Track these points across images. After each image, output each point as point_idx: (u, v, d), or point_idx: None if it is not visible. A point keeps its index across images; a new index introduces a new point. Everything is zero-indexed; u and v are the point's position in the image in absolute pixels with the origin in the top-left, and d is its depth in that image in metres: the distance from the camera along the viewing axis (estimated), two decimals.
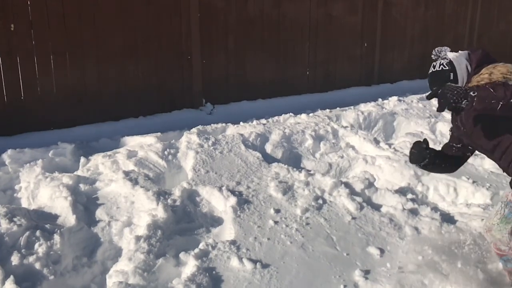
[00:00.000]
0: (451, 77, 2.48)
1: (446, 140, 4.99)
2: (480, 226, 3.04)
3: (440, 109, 2.15)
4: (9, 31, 4.34)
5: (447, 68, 2.53)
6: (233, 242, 2.77)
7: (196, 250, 2.67)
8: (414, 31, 7.56)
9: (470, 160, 4.20)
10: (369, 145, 4.53)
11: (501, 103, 2.04)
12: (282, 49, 6.17)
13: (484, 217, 3.17)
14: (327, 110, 5.51)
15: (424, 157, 2.45)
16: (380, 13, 7.03)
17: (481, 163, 4.19)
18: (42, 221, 2.96)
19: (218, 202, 3.26)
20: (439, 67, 2.56)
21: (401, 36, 7.44)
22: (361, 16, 6.84)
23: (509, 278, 2.47)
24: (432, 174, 3.91)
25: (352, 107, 5.71)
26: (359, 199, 3.33)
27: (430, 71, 2.60)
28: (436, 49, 2.64)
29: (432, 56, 2.64)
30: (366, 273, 2.54)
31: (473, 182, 3.73)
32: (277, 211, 3.14)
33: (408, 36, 7.52)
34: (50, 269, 2.55)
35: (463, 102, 2.06)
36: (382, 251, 2.75)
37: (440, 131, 5.26)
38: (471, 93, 2.05)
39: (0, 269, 2.42)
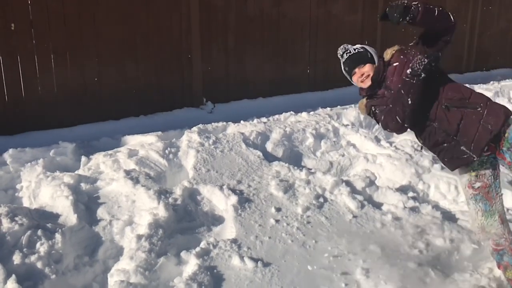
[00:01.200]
0: (369, 56, 2.60)
1: None
2: None
3: (394, 19, 2.28)
4: (9, 31, 4.34)
5: (362, 50, 2.66)
6: (234, 241, 2.78)
7: (197, 249, 2.68)
8: (415, 29, 7.54)
9: None
10: (370, 143, 4.52)
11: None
12: (282, 47, 6.17)
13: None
14: (328, 109, 5.51)
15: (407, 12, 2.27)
16: (380, 10, 7.02)
17: None
18: (43, 220, 2.96)
19: (219, 201, 3.26)
20: (354, 51, 2.66)
21: (402, 35, 7.42)
22: (361, 15, 6.83)
23: (505, 275, 2.45)
24: (433, 172, 3.91)
25: (353, 105, 5.69)
26: (360, 197, 3.33)
27: (347, 56, 2.65)
28: (340, 49, 2.75)
29: (340, 51, 2.73)
30: (367, 271, 2.54)
31: None
32: (278, 209, 3.14)
33: (409, 35, 7.51)
34: (51, 268, 2.56)
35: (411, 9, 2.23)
36: (383, 249, 2.75)
37: None
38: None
39: (2, 268, 2.42)
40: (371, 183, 3.63)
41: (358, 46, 2.72)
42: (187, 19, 5.30)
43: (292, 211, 3.12)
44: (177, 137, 4.36)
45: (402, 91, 2.36)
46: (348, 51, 2.67)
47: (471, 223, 2.52)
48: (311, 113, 5.29)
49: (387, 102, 2.44)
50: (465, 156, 2.32)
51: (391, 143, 4.58)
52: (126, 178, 3.46)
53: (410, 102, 2.35)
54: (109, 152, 4.00)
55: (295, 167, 3.76)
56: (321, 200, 3.26)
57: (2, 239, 2.70)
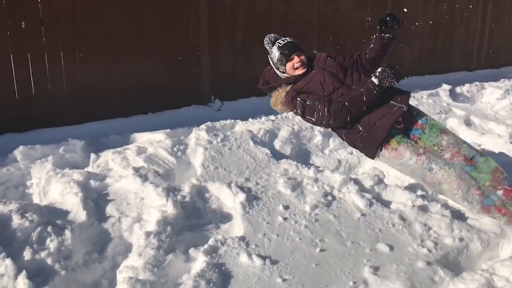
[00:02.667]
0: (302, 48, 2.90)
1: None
2: (492, 224, 3.02)
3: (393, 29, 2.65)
4: (20, 29, 4.38)
5: (296, 41, 2.92)
6: (242, 238, 2.78)
7: (206, 246, 2.68)
8: (424, 25, 7.48)
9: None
10: None
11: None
12: None
13: (495, 216, 3.14)
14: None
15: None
16: (389, 7, 6.96)
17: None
18: (53, 217, 2.99)
19: (227, 199, 3.27)
20: (288, 40, 2.91)
21: (411, 31, 7.37)
22: (370, 11, 6.79)
23: (502, 213, 2.54)
24: None
25: None
26: (368, 195, 3.31)
27: (285, 41, 2.89)
28: (268, 37, 2.98)
29: (271, 37, 2.98)
30: (376, 269, 2.53)
31: None
32: (286, 207, 3.14)
33: (418, 31, 7.45)
34: (61, 264, 2.58)
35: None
36: (391, 248, 2.74)
37: (450, 126, 5.22)
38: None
39: (13, 264, 2.45)
40: (380, 181, 3.61)
41: (287, 38, 2.94)
42: (196, 16, 5.30)
43: (300, 209, 3.12)
44: (186, 135, 4.38)
45: (364, 98, 2.56)
46: (283, 39, 2.90)
47: (449, 188, 2.65)
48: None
49: (343, 99, 2.62)
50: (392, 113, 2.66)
51: None
52: (134, 175, 3.48)
53: (365, 108, 2.61)
54: (118, 149, 4.03)
55: (303, 165, 3.75)
56: (329, 198, 3.25)
57: (13, 235, 2.73)
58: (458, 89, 6.60)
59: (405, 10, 6.66)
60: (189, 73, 5.43)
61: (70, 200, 3.18)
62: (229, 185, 3.34)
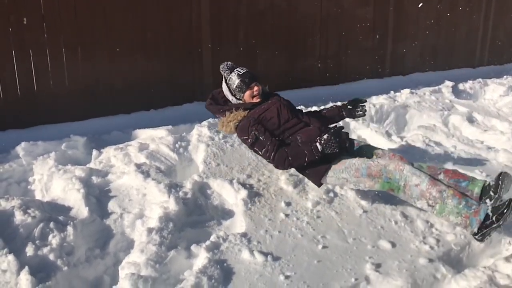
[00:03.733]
0: None
1: (459, 133, 4.95)
2: None
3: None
4: (22, 25, 4.37)
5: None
6: (244, 235, 2.78)
7: (208, 243, 2.69)
8: (427, 22, 7.45)
9: (483, 153, 4.18)
10: (381, 138, 4.49)
11: None
12: (293, 41, 6.13)
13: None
14: (339, 103, 5.47)
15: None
16: (392, 4, 6.94)
17: (495, 156, 4.14)
18: (55, 213, 2.99)
19: (229, 195, 3.27)
20: (246, 69, 3.18)
21: (414, 28, 7.34)
22: (372, 7, 6.77)
23: (425, 198, 2.60)
24: (445, 167, 3.87)
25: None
26: (370, 192, 3.30)
27: (244, 70, 3.17)
28: (225, 64, 3.24)
29: (228, 64, 3.24)
30: (378, 266, 2.53)
31: (487, 175, 3.69)
32: (288, 204, 3.14)
33: (420, 27, 7.42)
34: (63, 260, 2.59)
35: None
36: (393, 244, 2.73)
37: (453, 123, 5.21)
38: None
39: (15, 260, 2.46)
40: None
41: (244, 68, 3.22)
42: (198, 12, 5.29)
43: (302, 206, 3.12)
44: (187, 131, 4.38)
45: (306, 159, 2.80)
46: (241, 68, 3.14)
47: (395, 167, 2.71)
48: (322, 107, 5.27)
49: (289, 152, 2.85)
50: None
51: (402, 138, 4.54)
52: (136, 172, 3.48)
53: (305, 164, 2.85)
54: (120, 145, 4.03)
55: None
56: (331, 194, 3.24)
57: (15, 231, 2.74)
58: (460, 86, 6.58)
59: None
60: (191, 69, 5.42)
61: (72, 196, 3.18)
62: (231, 182, 3.34)
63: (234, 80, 3.06)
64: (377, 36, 6.92)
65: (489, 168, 3.85)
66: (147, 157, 3.77)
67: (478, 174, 3.71)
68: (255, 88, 2.97)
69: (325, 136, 2.75)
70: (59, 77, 4.65)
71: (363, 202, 3.17)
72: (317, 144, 2.77)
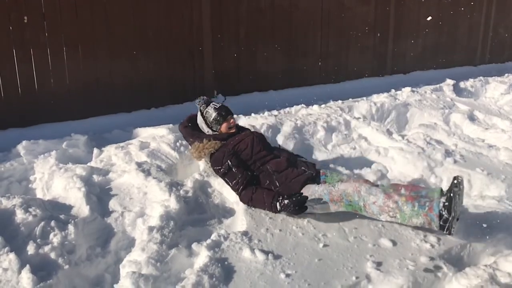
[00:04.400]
0: None
1: (460, 131, 4.95)
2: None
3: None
4: (22, 23, 4.37)
5: None
6: (245, 233, 2.78)
7: (208, 241, 2.69)
8: (428, 20, 7.44)
9: (484, 152, 4.18)
10: (382, 136, 4.49)
11: None
12: (293, 39, 6.13)
13: (499, 209, 3.14)
14: (339, 101, 5.48)
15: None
16: (393, 1, 6.92)
17: (496, 154, 4.14)
18: (56, 212, 3.00)
19: (230, 194, 3.27)
20: (222, 103, 3.42)
21: (415, 26, 7.33)
22: (374, 5, 6.75)
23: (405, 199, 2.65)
24: (446, 166, 3.88)
25: (364, 98, 5.66)
26: None
27: (219, 105, 3.41)
28: (201, 98, 3.51)
29: (203, 99, 3.49)
30: (379, 265, 2.53)
31: (488, 173, 3.69)
32: None
33: (421, 25, 7.41)
34: (65, 258, 2.59)
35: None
36: (394, 243, 2.73)
37: (454, 122, 5.20)
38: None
39: (17, 258, 2.46)
40: (383, 176, 3.61)
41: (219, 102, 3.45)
42: (198, 11, 5.28)
43: None
44: None
45: (265, 209, 2.96)
46: (217, 102, 3.39)
47: (353, 190, 2.81)
48: (322, 106, 5.27)
49: (255, 196, 2.99)
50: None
51: (403, 136, 4.54)
52: (137, 170, 3.48)
53: (265, 209, 2.98)
54: (121, 144, 4.03)
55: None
56: None
57: (16, 229, 2.74)
58: (462, 84, 6.57)
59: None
60: (192, 67, 5.41)
61: (73, 194, 3.19)
62: None
63: (211, 113, 3.33)
64: (378, 34, 6.91)
65: (490, 166, 3.85)
66: (148, 155, 3.77)
67: (479, 172, 3.71)
68: (231, 120, 3.24)
69: (285, 201, 2.86)
70: (60, 76, 4.65)
71: None
72: (277, 204, 2.88)
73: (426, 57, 7.54)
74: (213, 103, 3.40)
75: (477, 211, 3.17)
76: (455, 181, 2.56)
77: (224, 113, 3.27)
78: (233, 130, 3.22)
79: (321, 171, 3.15)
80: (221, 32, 5.51)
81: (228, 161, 3.12)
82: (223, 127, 3.23)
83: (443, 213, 2.54)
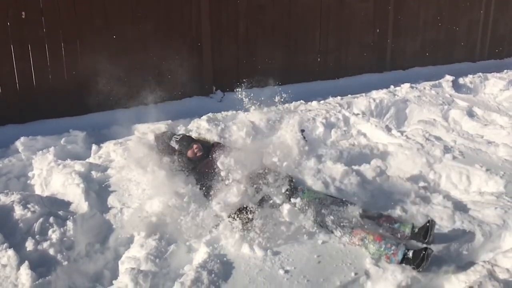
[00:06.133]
0: None
1: (459, 127, 4.95)
2: (494, 215, 3.01)
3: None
4: (20, 19, 4.35)
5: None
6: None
7: (207, 237, 2.68)
8: (427, 16, 7.42)
9: (483, 148, 4.18)
10: (381, 132, 4.49)
11: None
12: (293, 35, 6.11)
13: (498, 205, 3.14)
14: (338, 97, 5.47)
15: None
16: None
17: (495, 150, 4.14)
18: (55, 208, 2.99)
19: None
20: (182, 134, 3.67)
21: (414, 22, 7.31)
22: (373, 2, 6.73)
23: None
24: (445, 162, 3.88)
25: (363, 94, 5.65)
26: (370, 187, 3.30)
27: (181, 135, 3.58)
28: (165, 133, 3.74)
29: (167, 132, 3.73)
30: (377, 261, 2.54)
31: (487, 170, 3.69)
32: None
33: (421, 22, 7.39)
34: (63, 254, 2.59)
35: None
36: None
37: (453, 118, 5.20)
38: None
39: (15, 255, 2.46)
40: (382, 172, 3.60)
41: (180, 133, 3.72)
42: (198, 7, 5.26)
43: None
44: (187, 126, 4.37)
45: None
46: (177, 134, 3.64)
47: None
48: (322, 102, 5.26)
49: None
50: None
51: (402, 133, 4.54)
52: (136, 166, 3.47)
53: None
54: (120, 140, 4.02)
55: (305, 156, 3.73)
56: (331, 189, 3.24)
57: (15, 226, 2.74)
58: (461, 80, 6.57)
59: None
60: (191, 64, 5.39)
61: (72, 191, 3.18)
62: None
63: (175, 146, 3.49)
64: (378, 30, 6.89)
65: (489, 162, 3.85)
66: (146, 151, 3.75)
67: (477, 168, 3.71)
68: (195, 146, 3.41)
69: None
70: (58, 72, 4.63)
71: (363, 197, 3.17)
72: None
73: (425, 53, 7.53)
74: (174, 136, 3.61)
75: (475, 207, 3.17)
76: (424, 252, 2.45)
77: (186, 143, 3.46)
78: (198, 154, 3.39)
79: (298, 187, 3.12)
80: (221, 28, 5.49)
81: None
82: (190, 154, 3.40)
83: (413, 264, 2.46)
